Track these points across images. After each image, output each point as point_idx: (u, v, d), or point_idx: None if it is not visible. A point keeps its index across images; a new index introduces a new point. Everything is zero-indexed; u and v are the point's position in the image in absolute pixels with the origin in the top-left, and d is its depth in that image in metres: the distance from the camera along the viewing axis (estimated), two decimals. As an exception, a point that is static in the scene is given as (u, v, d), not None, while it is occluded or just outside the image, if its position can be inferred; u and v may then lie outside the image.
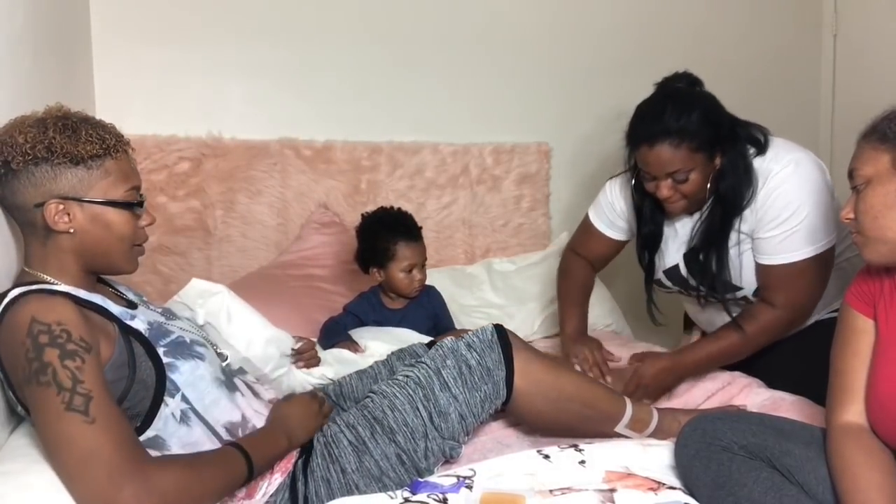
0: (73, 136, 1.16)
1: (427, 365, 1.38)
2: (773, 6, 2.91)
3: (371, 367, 1.65)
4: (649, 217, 1.79)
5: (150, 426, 1.17)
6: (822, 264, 1.64)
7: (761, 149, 1.65)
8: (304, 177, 2.37)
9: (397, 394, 1.34)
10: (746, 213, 1.65)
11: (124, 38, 2.21)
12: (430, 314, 2.02)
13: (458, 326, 2.06)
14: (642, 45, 2.73)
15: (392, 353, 1.68)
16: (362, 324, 1.96)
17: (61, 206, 1.15)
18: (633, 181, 1.77)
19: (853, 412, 1.21)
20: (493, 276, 2.44)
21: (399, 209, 2.02)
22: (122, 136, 1.24)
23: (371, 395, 1.37)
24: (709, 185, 1.64)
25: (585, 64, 2.67)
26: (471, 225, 2.55)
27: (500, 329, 1.44)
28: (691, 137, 1.57)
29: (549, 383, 1.43)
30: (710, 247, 1.69)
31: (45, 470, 1.05)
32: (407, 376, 1.37)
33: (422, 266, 1.95)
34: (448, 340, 1.42)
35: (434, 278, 2.12)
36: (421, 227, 2.00)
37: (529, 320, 2.27)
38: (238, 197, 2.32)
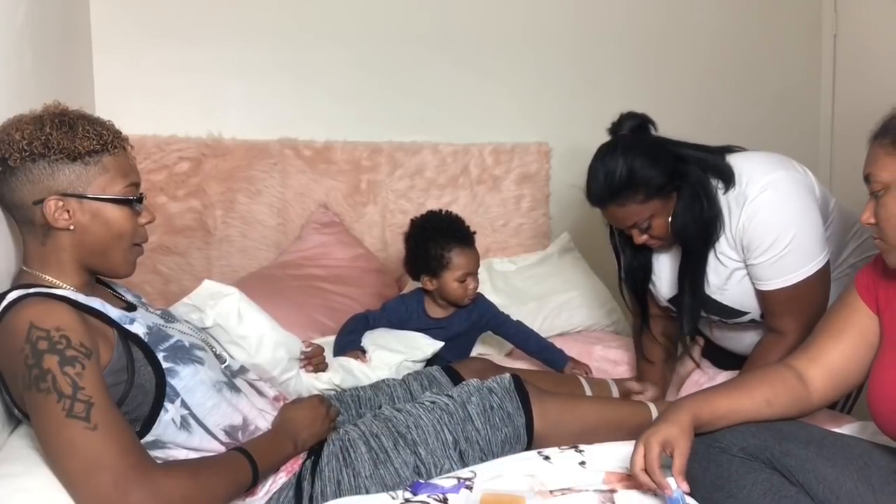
0: (70, 133, 1.16)
1: (453, 397, 1.40)
2: (772, 6, 2.91)
3: (385, 381, 1.66)
4: (634, 254, 1.78)
5: (149, 431, 1.16)
6: (822, 280, 1.60)
7: (728, 180, 1.60)
8: (304, 177, 2.37)
9: (422, 415, 1.36)
10: (729, 240, 1.62)
11: (124, 37, 2.21)
12: (476, 322, 1.95)
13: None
14: (643, 45, 2.73)
15: (409, 373, 1.70)
16: (392, 326, 1.90)
17: (60, 203, 1.15)
18: (609, 227, 1.79)
19: (801, 363, 1.30)
20: (493, 276, 2.43)
21: (450, 213, 1.94)
22: (120, 133, 1.24)
23: (396, 411, 1.38)
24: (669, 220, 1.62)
25: (586, 64, 2.67)
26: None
27: (516, 378, 1.45)
28: (634, 191, 1.56)
29: (569, 420, 1.44)
30: (689, 280, 1.67)
31: (44, 472, 1.04)
32: (433, 402, 1.39)
33: (475, 275, 1.88)
34: (474, 381, 1.45)
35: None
36: (475, 233, 1.92)
37: (529, 320, 2.26)
38: (238, 197, 2.32)
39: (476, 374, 1.65)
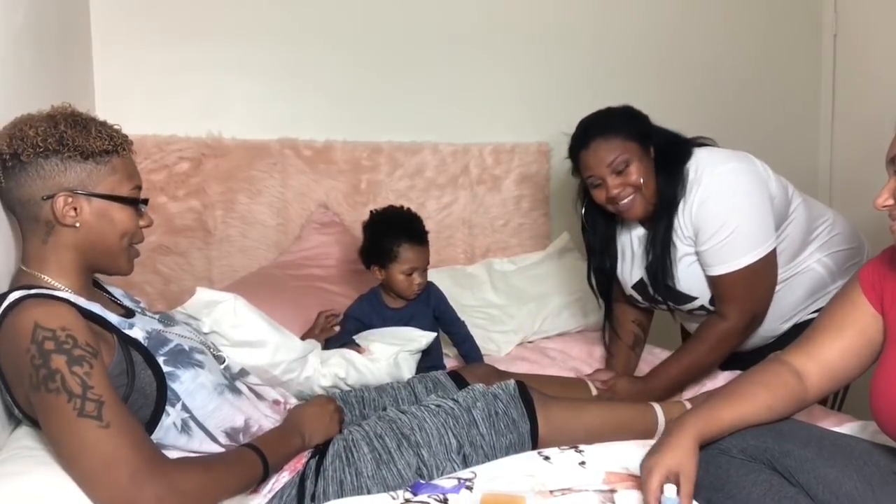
0: (84, 131, 1.18)
1: (458, 402, 1.40)
2: (772, 6, 2.91)
3: (390, 384, 1.67)
4: (604, 245, 1.90)
5: (150, 435, 1.16)
6: (765, 268, 1.68)
7: (682, 162, 1.72)
8: (304, 177, 2.37)
9: (427, 418, 1.36)
10: (686, 220, 1.71)
11: (124, 37, 2.20)
12: (435, 307, 2.00)
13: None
14: (643, 45, 2.74)
15: (413, 376, 1.72)
16: (365, 327, 1.93)
17: (70, 199, 1.16)
18: (583, 210, 1.90)
19: (798, 359, 1.28)
20: (493, 276, 2.44)
21: (409, 210, 1.99)
22: (127, 137, 1.26)
23: (400, 413, 1.39)
24: (647, 182, 1.71)
25: (586, 64, 2.67)
26: (471, 225, 2.55)
27: (520, 385, 1.46)
28: (617, 129, 1.71)
29: (574, 427, 1.44)
30: (659, 254, 1.76)
31: (45, 472, 1.04)
32: (438, 406, 1.39)
33: (423, 270, 1.92)
34: (479, 386, 1.46)
35: (434, 278, 2.11)
36: (428, 232, 1.96)
37: (529, 320, 2.27)
38: (238, 197, 2.32)
39: (480, 379, 1.65)
